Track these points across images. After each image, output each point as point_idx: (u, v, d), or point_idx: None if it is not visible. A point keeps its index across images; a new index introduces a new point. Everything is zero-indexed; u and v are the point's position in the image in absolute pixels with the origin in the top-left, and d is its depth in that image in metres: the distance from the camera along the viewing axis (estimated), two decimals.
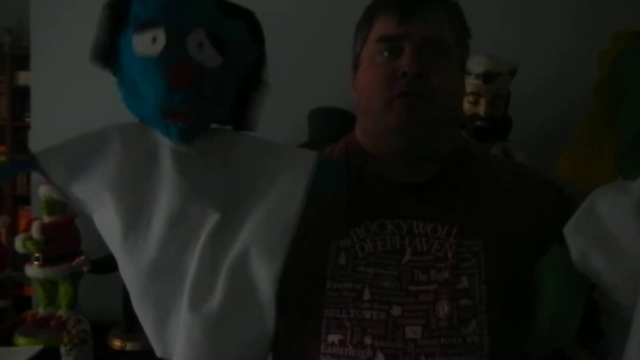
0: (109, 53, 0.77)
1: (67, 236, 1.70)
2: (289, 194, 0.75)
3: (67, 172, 0.77)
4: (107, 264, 1.58)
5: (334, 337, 0.77)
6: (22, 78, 3.60)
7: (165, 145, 0.77)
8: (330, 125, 1.60)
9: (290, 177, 0.77)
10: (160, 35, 0.71)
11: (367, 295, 0.78)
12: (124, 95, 0.79)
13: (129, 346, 1.60)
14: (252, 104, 0.83)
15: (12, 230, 2.42)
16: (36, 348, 1.56)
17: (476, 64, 1.47)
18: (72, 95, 1.85)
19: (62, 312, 1.69)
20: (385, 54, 0.81)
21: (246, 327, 0.73)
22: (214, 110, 0.78)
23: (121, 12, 0.75)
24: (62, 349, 1.45)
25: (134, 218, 0.75)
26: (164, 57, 0.71)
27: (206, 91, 0.74)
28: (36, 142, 1.97)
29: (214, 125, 0.82)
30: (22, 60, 3.47)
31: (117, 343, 1.62)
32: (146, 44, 0.72)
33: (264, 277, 0.72)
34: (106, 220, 0.77)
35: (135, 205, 0.75)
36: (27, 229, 1.67)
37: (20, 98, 3.60)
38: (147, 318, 0.77)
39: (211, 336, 0.72)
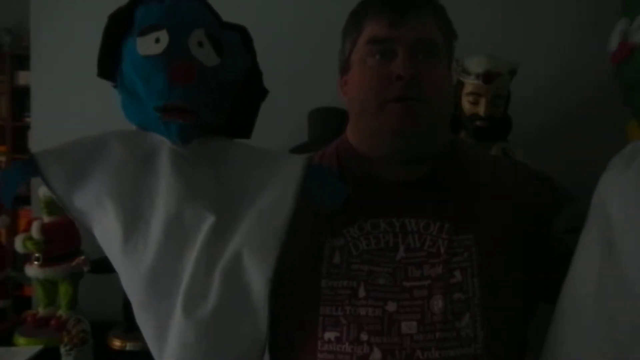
0: (110, 63, 0.79)
1: (67, 236, 1.70)
2: (279, 196, 0.77)
3: (67, 178, 0.77)
4: (107, 264, 1.56)
5: (330, 335, 0.78)
6: (22, 78, 3.61)
7: (162, 150, 0.78)
8: (330, 125, 1.60)
9: (280, 181, 0.78)
10: (163, 36, 0.74)
11: (362, 293, 0.79)
12: (123, 102, 0.80)
13: (129, 346, 1.60)
14: (247, 112, 0.85)
15: (12, 230, 2.43)
16: (36, 348, 1.56)
17: (476, 64, 1.47)
18: (72, 95, 1.85)
19: (62, 312, 1.69)
20: (377, 56, 0.81)
21: (240, 331, 0.73)
22: (211, 110, 0.79)
23: (124, 22, 0.78)
24: (62, 349, 1.46)
25: (134, 223, 0.75)
26: (167, 55, 0.74)
27: (205, 88, 0.76)
28: (36, 142, 1.97)
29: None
30: (22, 60, 3.48)
31: (117, 343, 1.62)
32: (150, 44, 0.75)
33: (257, 280, 0.72)
34: (106, 227, 0.77)
35: (135, 210, 0.76)
36: (27, 229, 1.67)
37: (20, 98, 3.59)
38: (148, 328, 0.77)
39: (205, 341, 0.72)
